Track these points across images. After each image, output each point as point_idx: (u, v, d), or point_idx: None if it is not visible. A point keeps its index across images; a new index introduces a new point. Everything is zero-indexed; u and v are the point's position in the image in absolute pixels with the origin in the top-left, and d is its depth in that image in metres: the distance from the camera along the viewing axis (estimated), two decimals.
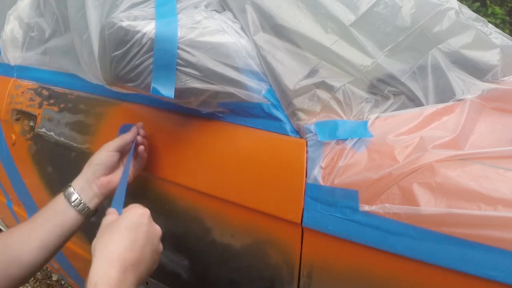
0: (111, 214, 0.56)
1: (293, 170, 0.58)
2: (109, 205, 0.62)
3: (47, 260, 0.63)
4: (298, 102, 0.61)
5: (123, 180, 0.66)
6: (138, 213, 0.54)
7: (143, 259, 0.51)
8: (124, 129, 0.74)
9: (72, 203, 0.64)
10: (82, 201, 0.64)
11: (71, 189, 0.66)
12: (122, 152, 0.70)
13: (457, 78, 0.61)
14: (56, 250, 0.64)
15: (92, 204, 0.66)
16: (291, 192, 0.58)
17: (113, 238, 0.50)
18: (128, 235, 0.51)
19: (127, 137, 0.70)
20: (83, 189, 0.66)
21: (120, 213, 0.57)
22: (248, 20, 0.64)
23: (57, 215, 0.63)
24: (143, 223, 0.53)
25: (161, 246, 0.56)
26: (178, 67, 0.58)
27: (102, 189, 0.67)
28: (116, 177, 0.68)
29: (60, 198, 0.65)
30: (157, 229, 0.55)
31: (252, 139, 0.65)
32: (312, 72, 0.60)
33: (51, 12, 1.01)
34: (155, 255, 0.54)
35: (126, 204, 0.61)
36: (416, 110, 0.59)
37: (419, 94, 0.60)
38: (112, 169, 0.69)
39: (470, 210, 0.46)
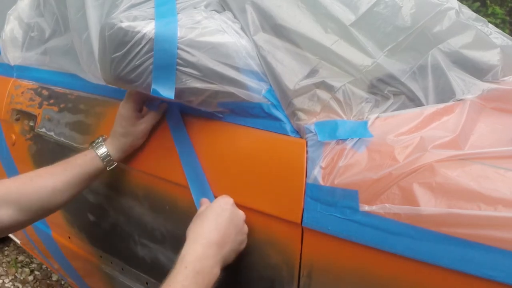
0: (204, 204, 0.64)
1: (293, 170, 0.58)
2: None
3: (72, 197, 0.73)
4: (298, 102, 0.61)
5: (198, 172, 0.68)
6: (223, 201, 0.61)
7: (227, 238, 0.58)
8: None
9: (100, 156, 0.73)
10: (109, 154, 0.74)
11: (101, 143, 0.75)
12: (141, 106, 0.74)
13: (457, 78, 0.61)
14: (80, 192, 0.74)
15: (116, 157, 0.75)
16: (291, 192, 0.58)
17: (201, 223, 0.59)
18: (214, 219, 0.59)
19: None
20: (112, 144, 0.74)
21: (211, 201, 0.65)
22: (248, 20, 0.64)
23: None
24: (226, 209, 0.60)
25: (246, 228, 0.62)
26: (178, 67, 0.58)
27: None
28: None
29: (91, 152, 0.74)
30: (240, 213, 0.62)
31: (252, 139, 0.65)
32: (312, 72, 0.60)
33: (51, 12, 1.01)
34: (240, 235, 0.61)
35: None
36: (416, 110, 0.59)
37: (419, 94, 0.60)
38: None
39: (470, 210, 0.46)
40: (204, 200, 0.65)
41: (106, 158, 0.73)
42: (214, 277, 0.55)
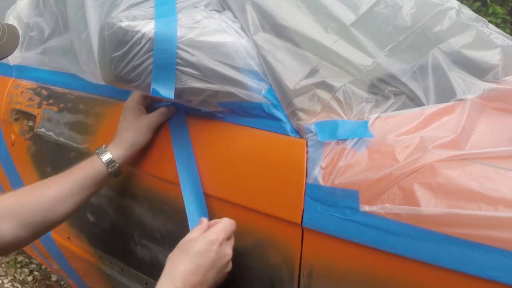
0: (196, 229, 0.61)
1: (293, 170, 0.58)
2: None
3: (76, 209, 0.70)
4: (298, 102, 0.60)
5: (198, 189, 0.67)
6: (210, 240, 0.58)
7: (205, 282, 0.56)
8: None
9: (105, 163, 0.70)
10: (114, 161, 0.70)
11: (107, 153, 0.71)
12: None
13: (457, 78, 0.61)
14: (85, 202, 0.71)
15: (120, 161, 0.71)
16: (291, 192, 0.58)
17: (182, 259, 0.57)
18: (196, 260, 0.56)
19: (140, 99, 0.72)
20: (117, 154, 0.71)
21: (207, 219, 0.63)
22: (248, 20, 0.63)
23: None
24: (212, 250, 0.57)
25: (229, 267, 0.60)
26: (178, 67, 0.58)
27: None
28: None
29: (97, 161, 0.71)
30: (226, 254, 0.59)
31: (252, 139, 0.64)
32: (312, 72, 0.60)
33: (50, 11, 1.01)
34: (220, 276, 0.59)
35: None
36: (417, 110, 0.59)
37: (420, 94, 0.60)
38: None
39: (471, 210, 0.46)
40: (201, 221, 0.62)
41: (110, 164, 0.70)
42: None
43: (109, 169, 0.70)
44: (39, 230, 0.67)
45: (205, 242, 0.57)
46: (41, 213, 0.65)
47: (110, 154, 0.70)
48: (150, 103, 0.74)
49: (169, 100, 0.63)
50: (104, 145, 0.72)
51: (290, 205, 0.58)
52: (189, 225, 0.65)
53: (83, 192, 0.69)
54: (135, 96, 0.72)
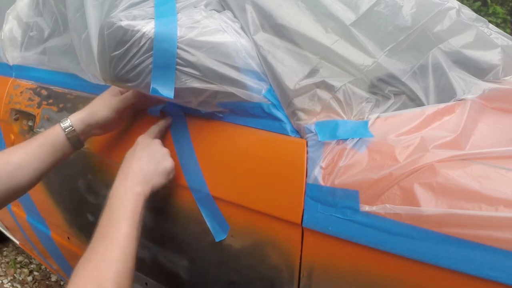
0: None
1: (293, 170, 0.58)
2: None
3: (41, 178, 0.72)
4: (298, 102, 0.60)
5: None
6: (140, 139, 0.68)
7: (144, 164, 0.65)
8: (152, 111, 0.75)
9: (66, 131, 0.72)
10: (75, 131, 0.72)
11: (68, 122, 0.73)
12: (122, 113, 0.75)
13: (458, 78, 0.61)
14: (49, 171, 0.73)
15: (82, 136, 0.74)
16: (291, 193, 0.58)
17: (123, 163, 0.67)
18: (128, 157, 0.67)
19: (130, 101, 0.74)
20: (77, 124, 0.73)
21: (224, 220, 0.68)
22: (248, 20, 0.63)
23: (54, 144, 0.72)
24: (136, 147, 0.67)
25: (166, 161, 0.67)
26: (178, 67, 0.58)
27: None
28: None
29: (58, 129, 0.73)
30: (154, 141, 0.68)
31: (252, 139, 0.64)
32: (313, 72, 0.60)
33: (50, 11, 1.01)
34: (156, 164, 0.66)
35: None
36: (417, 110, 0.59)
37: (420, 94, 0.60)
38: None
39: (471, 211, 0.46)
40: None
41: (67, 128, 0.71)
42: (135, 196, 0.60)
43: (66, 134, 0.71)
44: (3, 198, 0.68)
45: (136, 142, 0.67)
46: (4, 181, 0.67)
47: (69, 120, 0.72)
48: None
49: (169, 100, 0.63)
50: (69, 116, 0.75)
51: (290, 205, 0.58)
52: (211, 230, 0.67)
53: (46, 158, 0.71)
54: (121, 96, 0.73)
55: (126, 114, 0.76)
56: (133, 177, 0.62)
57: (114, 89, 0.73)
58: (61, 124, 0.72)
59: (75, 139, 0.72)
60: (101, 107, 0.72)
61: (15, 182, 0.68)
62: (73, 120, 0.72)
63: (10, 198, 0.70)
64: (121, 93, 0.74)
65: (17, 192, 0.70)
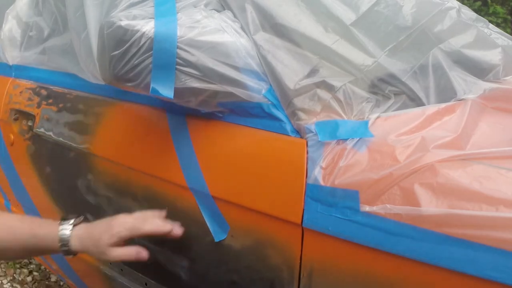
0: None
1: (293, 170, 0.58)
2: None
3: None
4: (299, 101, 0.60)
5: None
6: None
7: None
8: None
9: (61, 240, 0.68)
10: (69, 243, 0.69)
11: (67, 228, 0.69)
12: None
13: (458, 78, 0.61)
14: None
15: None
16: (291, 193, 0.58)
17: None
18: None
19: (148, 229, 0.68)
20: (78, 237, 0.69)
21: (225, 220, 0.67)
22: (248, 19, 0.63)
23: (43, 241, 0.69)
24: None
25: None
26: (178, 67, 0.58)
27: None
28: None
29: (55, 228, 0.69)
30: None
31: (252, 139, 0.64)
32: (313, 72, 0.60)
33: (49, 11, 1.00)
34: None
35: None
36: (417, 110, 0.59)
37: (420, 94, 0.60)
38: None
39: (472, 211, 0.45)
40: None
41: (63, 242, 0.67)
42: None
43: (60, 246, 0.68)
44: None
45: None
46: None
47: (69, 233, 0.68)
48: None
49: (169, 100, 0.62)
50: (76, 219, 0.70)
51: (290, 205, 0.58)
52: (211, 231, 0.66)
53: (35, 251, 0.71)
54: (125, 231, 0.66)
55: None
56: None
57: (115, 239, 0.66)
58: (59, 232, 0.68)
59: (68, 252, 0.69)
60: (98, 253, 0.67)
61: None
62: (73, 242, 0.68)
63: None
64: (120, 240, 0.66)
65: None
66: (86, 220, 0.71)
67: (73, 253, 0.69)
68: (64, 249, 0.68)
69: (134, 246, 0.67)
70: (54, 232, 0.68)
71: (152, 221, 0.67)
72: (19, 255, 0.70)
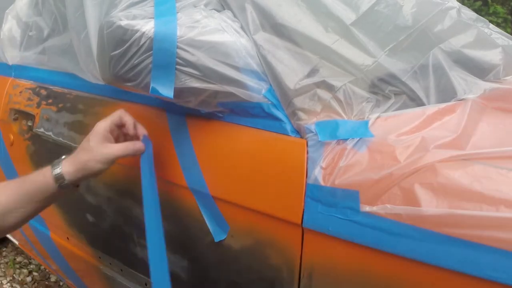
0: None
1: (293, 171, 0.58)
2: None
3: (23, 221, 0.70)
4: (299, 101, 0.60)
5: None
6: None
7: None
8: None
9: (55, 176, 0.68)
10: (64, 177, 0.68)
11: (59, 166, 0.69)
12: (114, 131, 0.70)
13: (458, 78, 0.60)
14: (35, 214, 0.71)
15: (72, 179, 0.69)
16: (291, 193, 0.58)
17: None
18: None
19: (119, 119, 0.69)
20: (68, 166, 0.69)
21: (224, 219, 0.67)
22: (248, 19, 0.63)
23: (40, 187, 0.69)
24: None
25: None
26: (178, 67, 0.58)
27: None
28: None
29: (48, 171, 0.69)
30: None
31: (252, 139, 0.64)
32: (313, 72, 0.60)
33: (49, 11, 1.00)
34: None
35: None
36: (418, 110, 0.59)
37: (421, 94, 0.60)
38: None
39: (472, 211, 0.45)
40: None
41: (59, 179, 0.67)
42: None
43: (58, 184, 0.67)
44: None
45: None
46: None
47: (61, 169, 0.67)
48: (124, 134, 0.71)
49: (169, 100, 0.62)
50: (63, 156, 0.70)
51: (290, 205, 0.58)
52: (211, 231, 0.66)
53: (33, 204, 0.68)
54: (108, 121, 0.67)
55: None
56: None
57: (100, 135, 0.67)
58: (52, 172, 0.67)
59: (67, 187, 0.68)
60: (93, 161, 0.66)
61: (1, 224, 0.66)
62: (65, 171, 0.67)
63: None
64: (109, 130, 0.67)
65: (2, 233, 0.69)
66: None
67: (73, 183, 0.68)
68: (63, 183, 0.67)
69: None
70: (46, 177, 0.67)
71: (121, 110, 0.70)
72: (19, 218, 0.68)
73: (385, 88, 0.60)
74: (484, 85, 0.61)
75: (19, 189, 0.67)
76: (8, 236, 1.54)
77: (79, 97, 0.96)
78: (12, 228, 0.69)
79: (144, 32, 0.55)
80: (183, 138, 0.71)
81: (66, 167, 0.67)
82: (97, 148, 0.66)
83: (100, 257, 0.96)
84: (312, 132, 0.59)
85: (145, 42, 0.56)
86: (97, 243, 0.97)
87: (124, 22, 0.55)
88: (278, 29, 0.62)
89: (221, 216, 0.66)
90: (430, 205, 0.47)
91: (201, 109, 0.67)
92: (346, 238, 0.53)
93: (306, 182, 0.56)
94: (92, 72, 0.75)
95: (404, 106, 0.60)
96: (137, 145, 0.67)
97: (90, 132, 0.67)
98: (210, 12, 0.63)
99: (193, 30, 0.58)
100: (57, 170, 0.67)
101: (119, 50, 0.56)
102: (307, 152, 0.58)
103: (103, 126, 0.67)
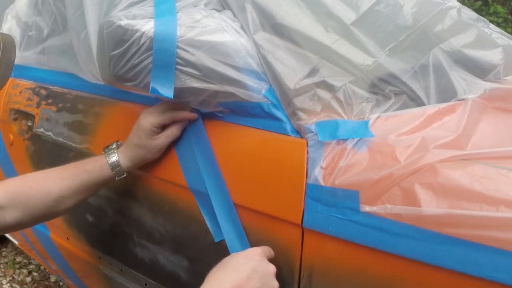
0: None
1: (293, 171, 0.58)
2: None
3: (71, 204, 0.71)
4: (299, 101, 0.60)
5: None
6: (250, 251, 0.58)
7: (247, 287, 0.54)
8: None
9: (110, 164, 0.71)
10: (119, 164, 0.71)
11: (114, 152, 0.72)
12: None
13: (459, 78, 0.60)
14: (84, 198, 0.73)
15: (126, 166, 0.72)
16: (291, 193, 0.58)
17: (219, 270, 0.55)
18: (233, 267, 0.55)
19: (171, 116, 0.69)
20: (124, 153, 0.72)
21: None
22: (248, 19, 0.63)
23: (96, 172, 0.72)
24: (251, 258, 0.56)
25: (275, 284, 0.56)
26: (178, 66, 0.58)
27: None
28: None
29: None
30: (269, 267, 0.57)
31: (252, 139, 0.64)
32: (313, 72, 0.60)
33: (49, 10, 1.00)
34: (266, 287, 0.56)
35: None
36: (418, 109, 0.59)
37: (421, 94, 0.60)
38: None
39: (472, 211, 0.45)
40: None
41: (116, 168, 0.70)
42: None
43: (114, 172, 0.71)
44: (41, 220, 0.71)
45: (245, 252, 0.58)
46: (45, 207, 0.68)
47: (117, 158, 0.70)
48: (165, 124, 0.70)
49: (168, 100, 0.62)
50: (115, 144, 0.73)
51: (290, 205, 0.58)
52: (211, 231, 0.67)
53: (87, 192, 0.72)
54: (152, 116, 0.68)
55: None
56: None
57: (149, 131, 0.68)
58: (109, 161, 0.70)
59: (120, 174, 0.72)
60: (150, 154, 0.70)
61: (55, 210, 0.69)
62: (122, 161, 0.70)
63: (47, 219, 0.73)
64: (156, 126, 0.68)
65: (55, 216, 0.72)
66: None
67: (127, 171, 0.72)
68: (119, 171, 0.70)
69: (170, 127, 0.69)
70: (102, 166, 0.70)
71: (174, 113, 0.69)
72: (74, 203, 0.71)
73: (385, 88, 0.60)
74: (484, 85, 0.61)
75: (74, 180, 0.69)
76: (8, 236, 1.54)
77: (79, 97, 0.96)
78: (65, 212, 0.72)
79: (144, 32, 0.55)
80: (183, 138, 0.71)
81: (122, 158, 0.71)
82: (149, 142, 0.69)
83: (100, 257, 0.96)
84: (312, 132, 0.59)
85: (145, 42, 0.56)
86: (97, 243, 0.97)
87: (124, 22, 0.55)
88: (278, 29, 0.62)
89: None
90: (430, 205, 0.47)
91: (201, 109, 0.67)
92: (346, 238, 0.53)
93: (306, 182, 0.56)
94: (92, 72, 0.75)
95: (404, 106, 0.60)
96: (175, 130, 0.68)
97: (137, 127, 0.69)
98: (210, 12, 0.63)
99: (193, 30, 0.58)
100: (114, 158, 0.70)
101: (119, 50, 0.56)
102: (307, 152, 0.58)
103: (151, 122, 0.68)
